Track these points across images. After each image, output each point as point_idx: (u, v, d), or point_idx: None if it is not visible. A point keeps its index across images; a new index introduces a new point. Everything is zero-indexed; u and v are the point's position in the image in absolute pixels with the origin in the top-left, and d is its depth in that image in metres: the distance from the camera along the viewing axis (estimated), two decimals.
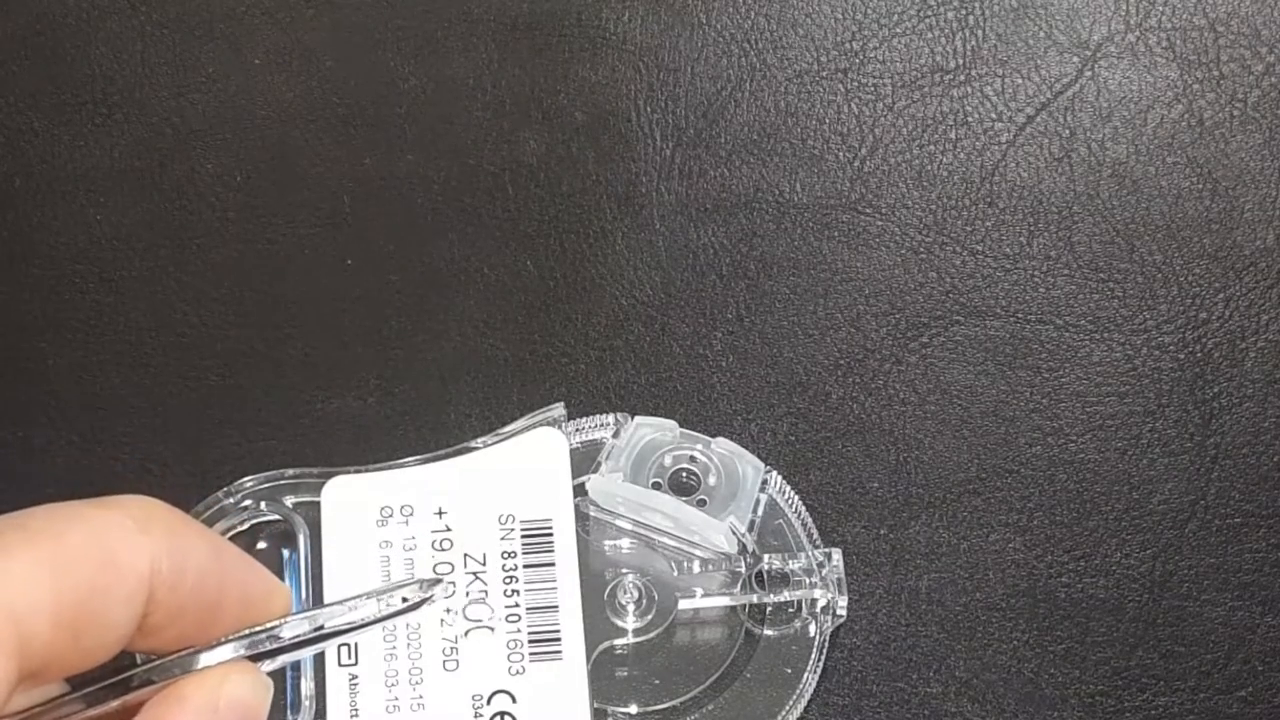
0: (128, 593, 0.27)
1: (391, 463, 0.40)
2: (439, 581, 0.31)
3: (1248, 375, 0.44)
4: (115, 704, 0.28)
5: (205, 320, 0.45)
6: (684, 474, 0.41)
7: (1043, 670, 0.41)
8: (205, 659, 0.28)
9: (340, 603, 0.30)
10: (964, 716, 0.40)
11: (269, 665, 0.29)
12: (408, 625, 0.37)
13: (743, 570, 0.40)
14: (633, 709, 0.39)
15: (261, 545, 0.39)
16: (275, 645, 0.29)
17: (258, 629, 0.29)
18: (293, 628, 0.29)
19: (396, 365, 0.45)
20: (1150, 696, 0.40)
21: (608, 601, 0.40)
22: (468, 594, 0.38)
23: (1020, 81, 0.49)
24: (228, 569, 0.29)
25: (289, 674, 0.37)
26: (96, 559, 0.26)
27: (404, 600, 0.30)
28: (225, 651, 0.28)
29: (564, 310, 0.45)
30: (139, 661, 0.28)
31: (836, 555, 0.40)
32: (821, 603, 0.40)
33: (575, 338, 0.45)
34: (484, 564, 0.38)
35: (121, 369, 0.44)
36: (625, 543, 0.41)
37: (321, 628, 0.29)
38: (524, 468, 0.39)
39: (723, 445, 0.41)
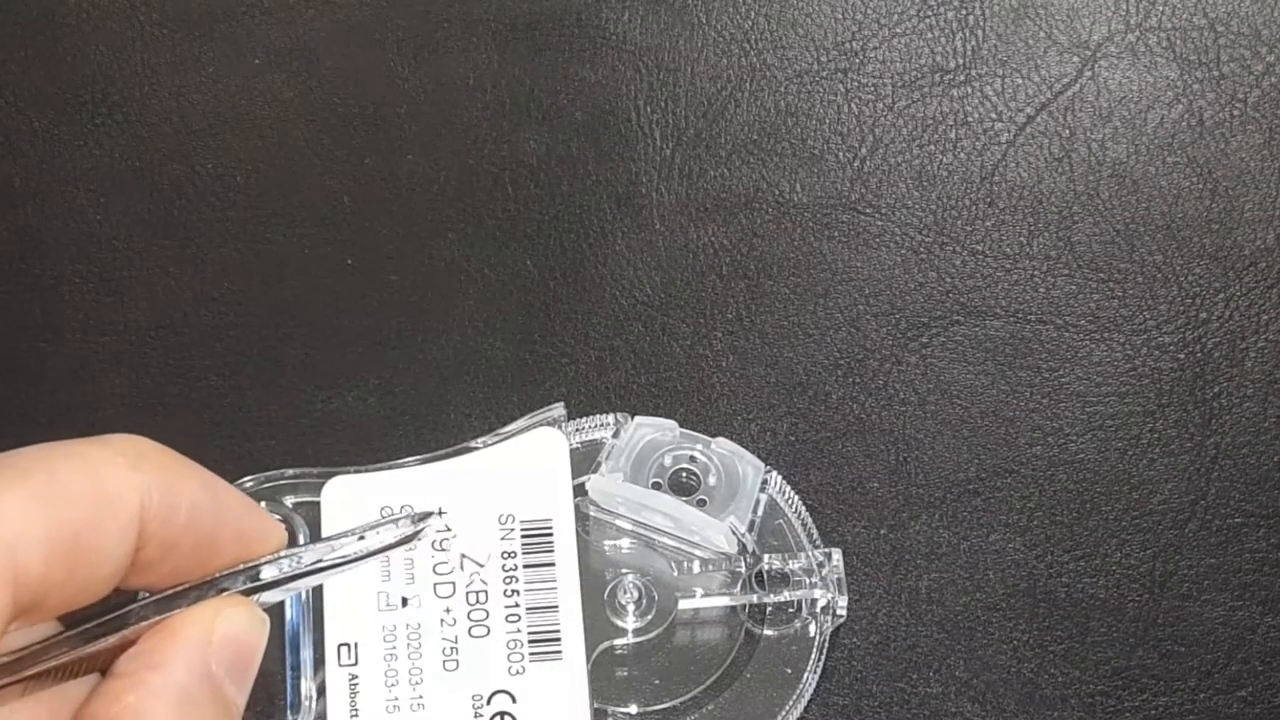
0: (120, 527, 0.27)
1: (391, 463, 0.40)
2: (430, 514, 0.31)
3: (1248, 375, 0.44)
4: (111, 640, 0.28)
5: (205, 320, 0.45)
6: (684, 474, 0.41)
7: (1043, 670, 0.41)
8: (199, 594, 0.28)
9: (334, 538, 0.30)
10: (964, 716, 0.40)
11: (265, 598, 0.29)
12: (408, 625, 0.37)
13: (743, 570, 0.40)
14: (633, 709, 0.39)
15: None
16: (270, 579, 0.29)
17: (252, 563, 0.29)
18: (288, 563, 0.29)
19: (396, 365, 0.45)
20: (1150, 696, 0.40)
21: (608, 601, 0.40)
22: (468, 594, 0.38)
23: (1020, 81, 0.49)
24: (222, 505, 0.29)
25: (289, 674, 0.37)
26: (88, 493, 0.26)
27: (398, 526, 0.30)
28: (220, 586, 0.28)
29: (564, 310, 0.45)
30: (134, 598, 0.28)
31: (836, 555, 0.40)
32: (821, 603, 0.40)
33: (575, 338, 0.45)
34: (484, 564, 0.38)
35: (121, 369, 0.44)
36: (625, 543, 0.41)
37: (318, 561, 0.29)
38: (524, 468, 0.39)
39: (723, 445, 0.41)
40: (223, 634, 0.28)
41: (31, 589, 0.26)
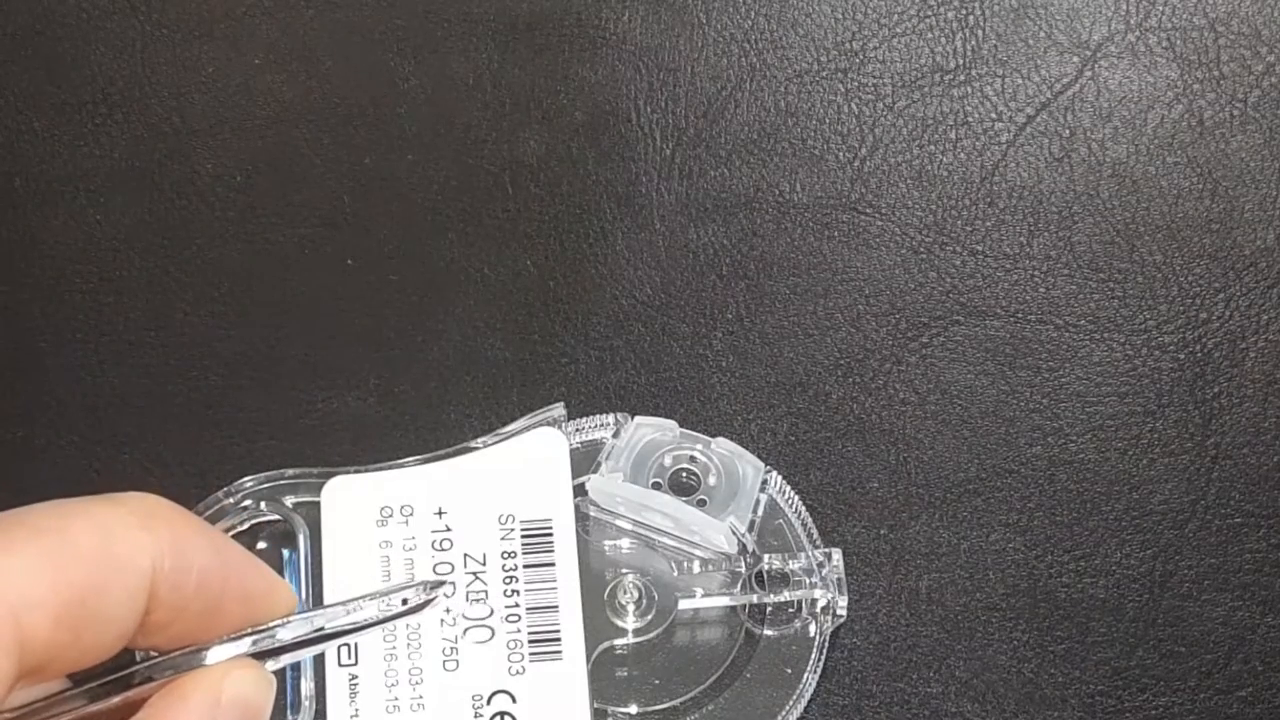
0: (129, 590, 0.27)
1: (391, 463, 0.40)
2: (441, 583, 0.31)
3: (1248, 375, 0.44)
4: (116, 700, 0.28)
5: (205, 320, 0.45)
6: (684, 474, 0.41)
7: (1043, 670, 0.41)
8: (207, 656, 0.28)
9: (342, 604, 0.30)
10: (964, 716, 0.40)
11: (270, 665, 0.29)
12: (408, 625, 0.37)
13: (743, 570, 0.40)
14: (633, 709, 0.39)
15: (261, 545, 0.39)
16: (276, 645, 0.29)
17: (260, 628, 0.29)
18: (294, 628, 0.29)
19: (396, 365, 0.45)
20: (1150, 696, 0.40)
21: (608, 601, 0.40)
22: (468, 594, 0.38)
23: (1020, 81, 0.49)
24: (230, 567, 0.29)
25: (289, 674, 0.37)
26: (98, 556, 0.26)
27: (404, 602, 0.30)
28: (227, 649, 0.28)
29: (564, 310, 0.45)
30: (140, 659, 0.28)
31: (836, 555, 0.40)
32: (821, 603, 0.40)
33: (575, 338, 0.45)
34: (484, 564, 0.38)
35: (121, 369, 0.44)
36: (625, 543, 0.41)
37: (322, 629, 0.29)
38: (524, 468, 0.39)
39: (723, 445, 0.41)
40: (230, 697, 0.28)
41: (37, 652, 0.26)
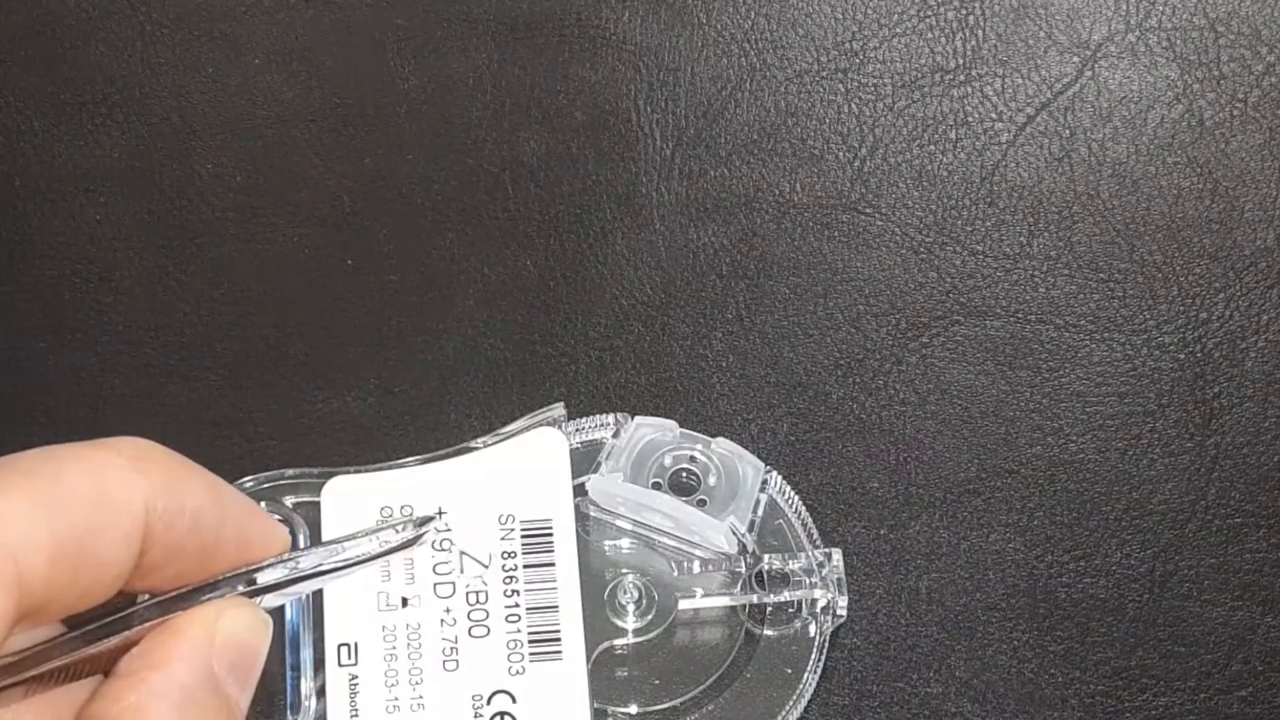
0: (124, 531, 0.27)
1: (391, 463, 0.40)
2: (430, 519, 0.31)
3: (1248, 375, 0.44)
4: (114, 641, 0.28)
5: (205, 320, 0.45)
6: (684, 474, 0.41)
7: (1043, 670, 0.41)
8: (202, 596, 0.28)
9: (336, 541, 0.30)
10: (964, 716, 0.40)
11: (267, 602, 0.29)
12: (408, 625, 0.37)
13: (743, 570, 0.40)
14: (633, 709, 0.39)
15: None
16: (272, 582, 0.29)
17: (254, 566, 0.29)
18: (289, 566, 0.29)
19: (396, 365, 0.45)
20: (1150, 696, 0.40)
21: (608, 601, 0.40)
22: (468, 594, 0.38)
23: (1020, 81, 0.49)
24: (226, 509, 0.29)
25: (289, 674, 0.37)
26: (92, 497, 0.27)
27: (397, 532, 0.30)
28: (222, 588, 0.28)
29: (564, 310, 0.45)
30: (140, 601, 0.28)
31: (836, 555, 0.40)
32: (821, 603, 0.40)
33: (575, 338, 0.45)
34: (484, 564, 0.38)
35: (121, 369, 0.45)
36: (625, 543, 0.41)
37: (319, 565, 0.29)
38: (524, 468, 0.39)
39: (723, 445, 0.41)
40: (225, 635, 0.28)
41: (35, 593, 0.26)
